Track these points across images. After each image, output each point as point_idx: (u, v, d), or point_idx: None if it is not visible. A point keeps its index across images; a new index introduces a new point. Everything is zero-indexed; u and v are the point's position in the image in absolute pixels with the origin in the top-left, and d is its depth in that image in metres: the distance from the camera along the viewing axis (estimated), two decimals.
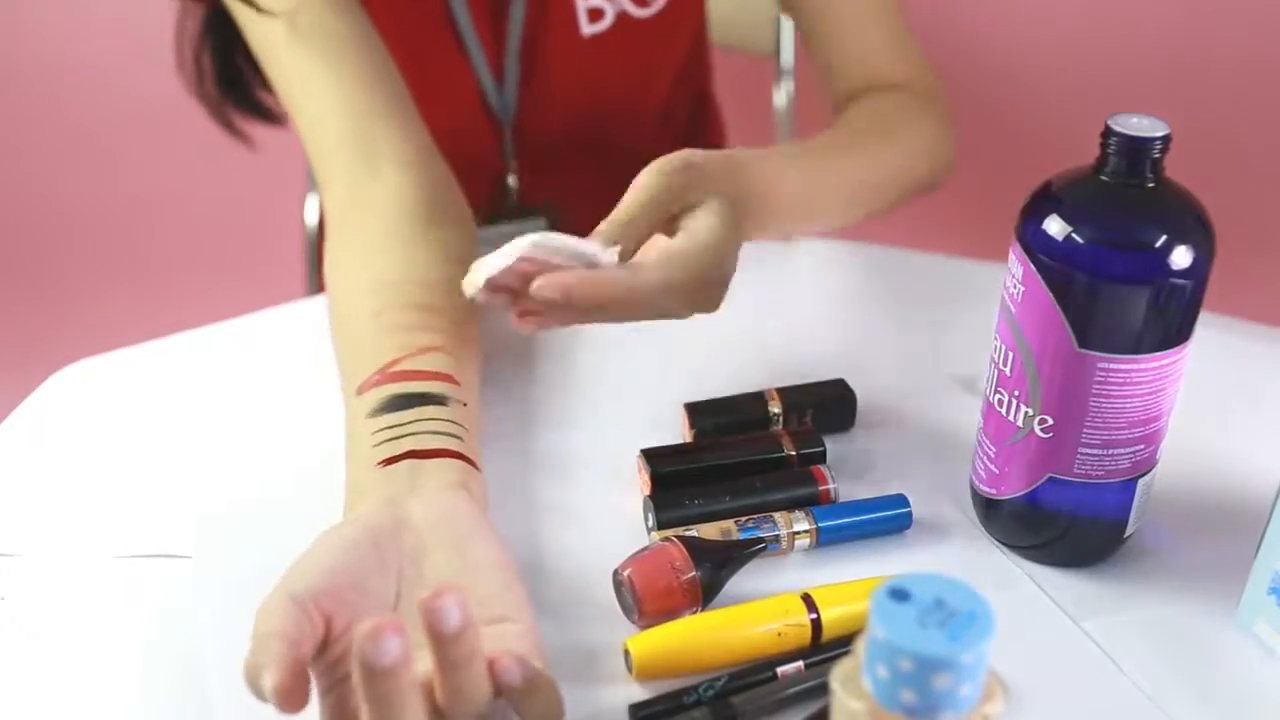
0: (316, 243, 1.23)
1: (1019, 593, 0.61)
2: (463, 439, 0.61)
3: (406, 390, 0.62)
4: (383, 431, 0.60)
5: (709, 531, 0.61)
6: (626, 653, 0.56)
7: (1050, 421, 0.58)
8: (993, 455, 0.62)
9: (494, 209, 0.99)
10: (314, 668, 0.49)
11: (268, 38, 0.79)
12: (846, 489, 0.66)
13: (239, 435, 0.72)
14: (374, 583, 0.52)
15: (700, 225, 0.62)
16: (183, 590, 0.61)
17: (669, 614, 0.57)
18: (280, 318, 0.83)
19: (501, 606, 0.52)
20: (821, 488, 0.65)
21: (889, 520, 0.64)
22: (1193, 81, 1.46)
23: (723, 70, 1.16)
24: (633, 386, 0.75)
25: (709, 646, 0.56)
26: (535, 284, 0.56)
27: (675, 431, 0.71)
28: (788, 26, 1.30)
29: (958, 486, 0.66)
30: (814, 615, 0.57)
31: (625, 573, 0.58)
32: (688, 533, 0.61)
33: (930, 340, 0.80)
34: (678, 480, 0.65)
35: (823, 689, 0.53)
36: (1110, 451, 0.58)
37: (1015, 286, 0.58)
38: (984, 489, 0.63)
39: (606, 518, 0.65)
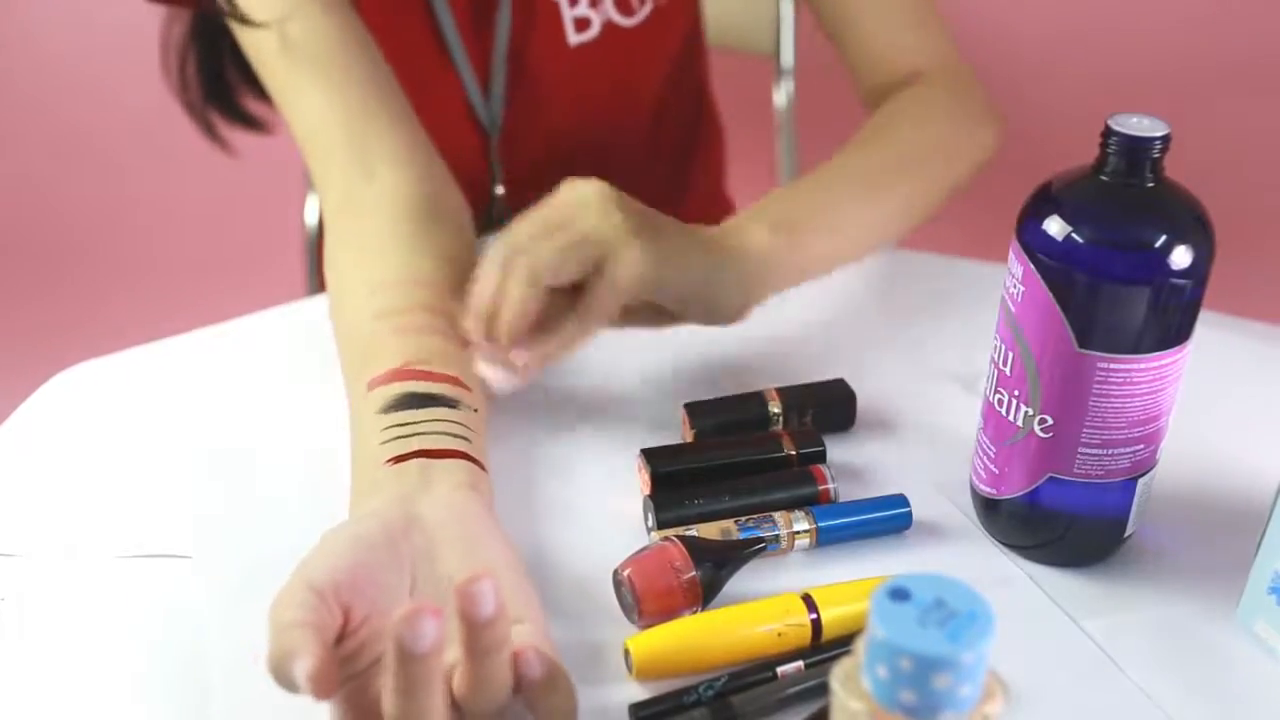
0: (316, 243, 1.23)
1: (1019, 593, 0.61)
2: (471, 441, 0.61)
3: (419, 390, 0.62)
4: (393, 429, 0.60)
5: (709, 531, 0.61)
6: (626, 653, 0.56)
7: (1050, 421, 0.58)
8: (993, 455, 0.62)
9: (481, 220, 0.99)
10: None
11: (260, 44, 0.79)
12: (846, 489, 0.66)
13: (239, 435, 0.72)
14: (388, 578, 0.52)
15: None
16: (183, 590, 0.61)
17: (669, 614, 0.57)
18: (280, 318, 0.83)
19: (514, 606, 0.52)
20: (821, 487, 0.65)
21: (889, 520, 0.64)
22: (1193, 81, 1.46)
23: (723, 70, 1.16)
24: (633, 386, 0.75)
25: (709, 646, 0.56)
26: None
27: (675, 431, 0.71)
28: (788, 26, 1.30)
29: (958, 486, 0.66)
30: (814, 615, 0.57)
31: (625, 573, 0.58)
32: (688, 532, 0.61)
33: (930, 340, 0.80)
34: (678, 480, 0.65)
35: (823, 689, 0.53)
36: (1110, 451, 0.58)
37: (1015, 286, 0.58)
38: (984, 489, 0.63)
39: (606, 518, 0.65)
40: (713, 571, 0.58)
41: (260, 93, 0.93)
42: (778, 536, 0.62)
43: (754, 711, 0.54)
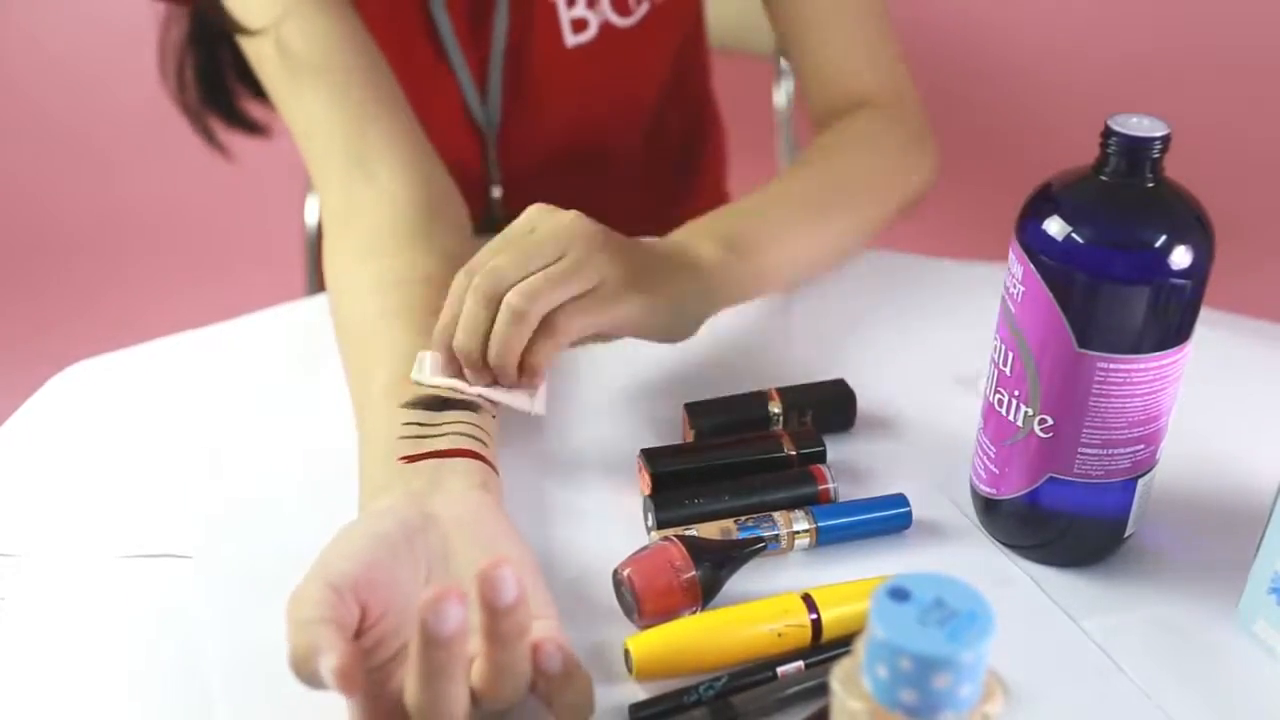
0: (316, 243, 1.23)
1: (1019, 593, 0.61)
2: (485, 443, 0.61)
3: (443, 393, 0.62)
4: (411, 425, 0.60)
5: (709, 531, 0.61)
6: (626, 653, 0.56)
7: (1050, 421, 0.58)
8: (993, 455, 0.62)
9: (479, 221, 0.99)
10: None
11: (258, 47, 0.79)
12: (846, 489, 0.66)
13: (240, 435, 0.72)
14: (405, 575, 0.52)
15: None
16: (184, 590, 0.61)
17: (669, 613, 0.57)
18: (280, 318, 0.83)
19: (532, 604, 0.52)
20: (821, 487, 0.65)
21: (889, 520, 0.64)
22: (1193, 81, 1.46)
23: (723, 70, 1.16)
24: (633, 386, 0.75)
25: (709, 646, 0.56)
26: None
27: (675, 431, 0.71)
28: None
29: (958, 486, 0.66)
30: (814, 615, 0.57)
31: (625, 572, 0.58)
32: (687, 532, 0.61)
33: (930, 340, 0.80)
34: (678, 480, 0.65)
35: (823, 689, 0.53)
36: (1110, 451, 0.58)
37: (1015, 286, 0.58)
38: (984, 489, 0.63)
39: (606, 518, 0.65)
40: (712, 571, 0.58)
41: (258, 96, 0.93)
42: (778, 536, 0.62)
43: (754, 711, 0.54)
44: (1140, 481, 0.60)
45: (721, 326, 0.81)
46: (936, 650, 0.38)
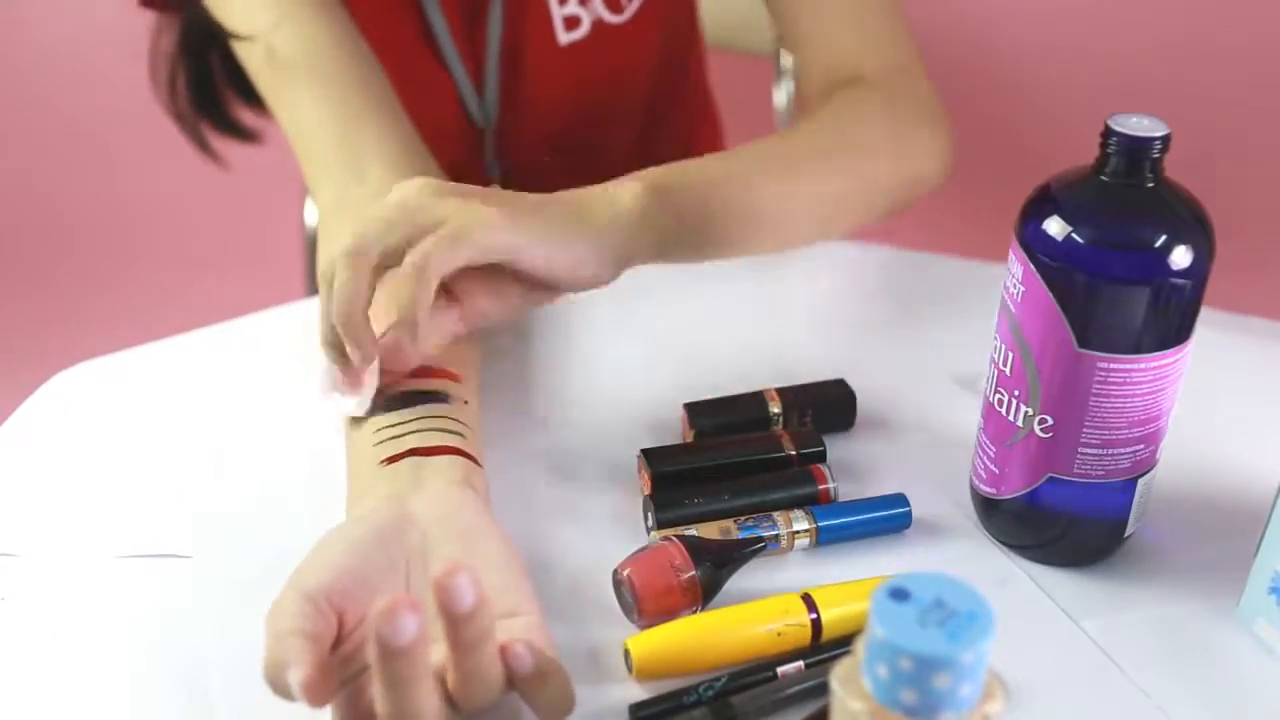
0: (316, 243, 1.23)
1: (1019, 593, 0.61)
2: (464, 436, 0.61)
3: (408, 388, 0.62)
4: (385, 430, 0.60)
5: (708, 531, 0.61)
6: (626, 653, 0.56)
7: (1050, 421, 0.58)
8: (993, 455, 0.62)
9: None
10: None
11: (251, 52, 0.79)
12: (846, 489, 0.66)
13: (239, 435, 0.72)
14: (382, 580, 0.52)
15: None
16: (183, 590, 0.61)
17: (669, 613, 0.57)
18: (280, 318, 0.83)
19: (510, 600, 0.52)
20: (821, 487, 0.65)
21: (889, 520, 0.64)
22: (1193, 81, 1.46)
23: (723, 70, 1.16)
24: (633, 386, 0.75)
25: (709, 646, 0.56)
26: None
27: (675, 431, 0.71)
28: None
29: (958, 486, 0.66)
30: (814, 615, 0.57)
31: (625, 572, 0.58)
32: (687, 532, 0.61)
33: (930, 340, 0.80)
34: (678, 480, 0.65)
35: (823, 689, 0.53)
36: (1110, 451, 0.58)
37: (1015, 286, 0.58)
38: (984, 489, 0.63)
39: (606, 518, 0.65)
40: (712, 571, 0.58)
41: (250, 103, 0.93)
42: (777, 536, 0.62)
43: (754, 711, 0.54)
44: (1140, 481, 0.60)
45: (722, 326, 0.81)
46: (936, 650, 0.38)
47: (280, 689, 0.47)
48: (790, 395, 0.71)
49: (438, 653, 0.48)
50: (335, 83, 0.77)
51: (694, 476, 0.65)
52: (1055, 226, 0.55)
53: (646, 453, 0.66)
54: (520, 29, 0.93)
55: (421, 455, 0.59)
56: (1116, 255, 0.55)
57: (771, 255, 0.80)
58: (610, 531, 0.64)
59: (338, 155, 0.76)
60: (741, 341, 0.80)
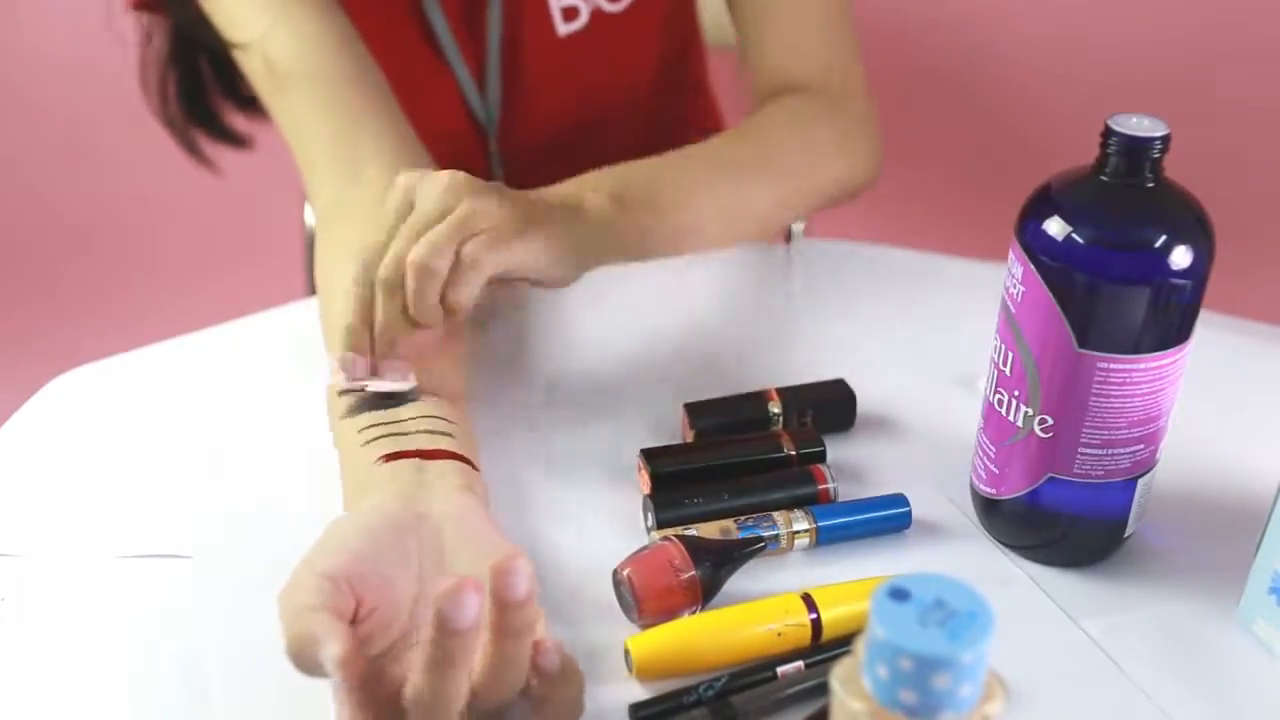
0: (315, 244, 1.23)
1: (1019, 593, 0.61)
2: (457, 439, 0.61)
3: (379, 388, 0.63)
4: (368, 430, 0.60)
5: (708, 531, 0.61)
6: (626, 652, 0.56)
7: (1050, 421, 0.58)
8: (993, 455, 0.62)
9: None
10: None
11: (246, 56, 0.80)
12: (846, 489, 0.66)
13: (239, 436, 0.72)
14: (396, 571, 0.52)
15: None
16: (183, 590, 0.61)
17: (669, 613, 0.57)
18: (280, 318, 0.83)
19: None
20: (821, 487, 0.65)
21: (889, 520, 0.64)
22: (1193, 81, 1.46)
23: (723, 70, 1.16)
24: (633, 386, 0.75)
25: (709, 646, 0.56)
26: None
27: (675, 431, 0.71)
28: None
29: (958, 486, 0.66)
30: (814, 615, 0.57)
31: (625, 572, 0.58)
32: (687, 532, 0.61)
33: (930, 340, 0.80)
34: (678, 480, 0.65)
35: (823, 689, 0.53)
36: (1110, 451, 0.58)
37: (1015, 286, 0.58)
38: (984, 489, 0.63)
39: (606, 517, 0.65)
40: (712, 571, 0.58)
41: (242, 107, 0.93)
42: (777, 536, 0.62)
43: (754, 711, 0.54)
44: (1140, 481, 0.60)
45: (722, 326, 0.81)
46: (936, 650, 0.38)
47: (307, 665, 0.47)
48: (790, 395, 0.71)
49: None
50: (331, 84, 0.78)
51: (694, 476, 0.65)
52: (1055, 226, 0.55)
53: (646, 453, 0.66)
54: (519, 22, 0.93)
55: (424, 458, 0.59)
56: (1116, 255, 0.55)
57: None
58: (610, 531, 0.64)
59: (334, 156, 0.76)
60: (741, 341, 0.80)
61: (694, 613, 0.58)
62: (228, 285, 1.46)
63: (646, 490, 0.66)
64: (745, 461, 0.67)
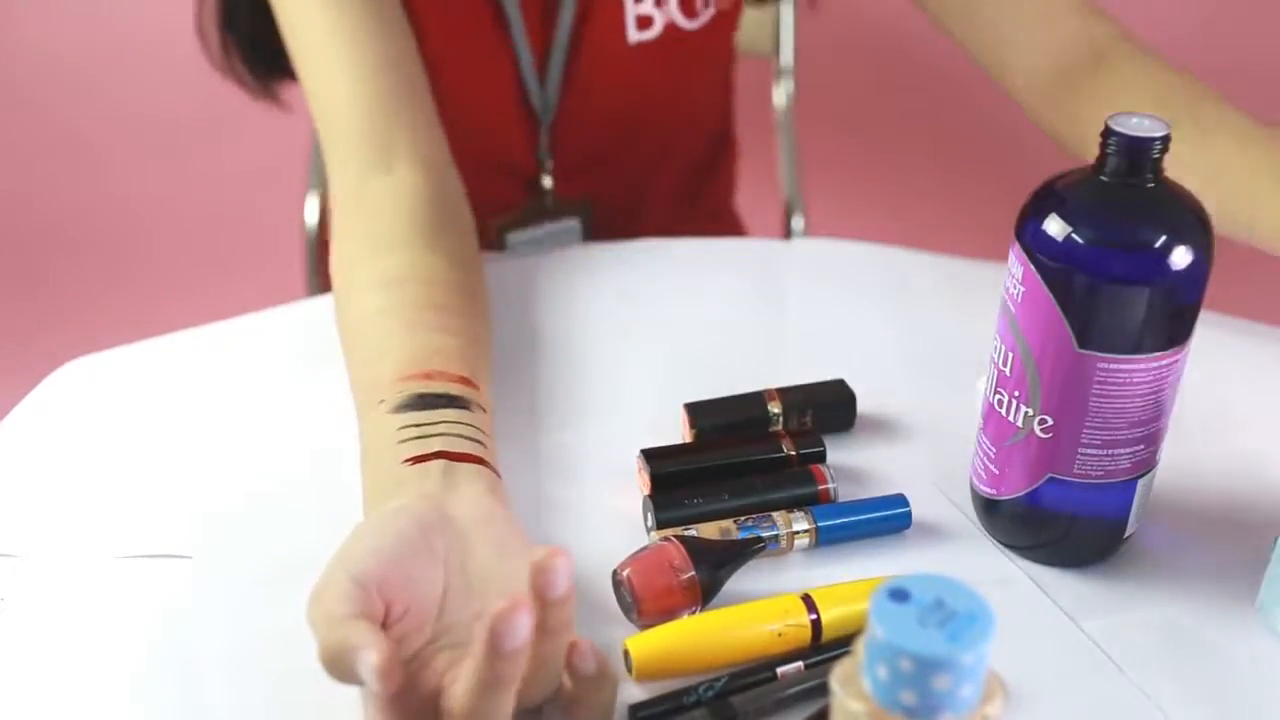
0: (316, 243, 1.23)
1: (1019, 593, 0.61)
2: (485, 445, 0.61)
3: (431, 390, 0.62)
4: (409, 428, 0.60)
5: (708, 531, 0.61)
6: (626, 653, 0.56)
7: (1050, 421, 0.58)
8: (993, 455, 0.62)
9: (527, 208, 0.99)
10: None
11: (291, 18, 0.79)
12: (846, 489, 0.66)
13: (240, 435, 0.72)
14: (425, 573, 0.52)
15: None
16: (184, 590, 0.61)
17: (668, 614, 0.57)
18: (280, 318, 0.83)
19: None
20: (821, 487, 0.65)
21: (889, 520, 0.64)
22: None
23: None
24: (633, 386, 0.75)
25: (709, 646, 0.56)
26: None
27: (675, 431, 0.71)
28: (787, 27, 1.30)
29: (958, 486, 0.66)
30: (814, 615, 0.57)
31: (624, 572, 0.58)
32: (687, 532, 0.61)
33: (930, 340, 0.80)
34: (678, 480, 0.65)
35: (823, 689, 0.53)
36: (1110, 451, 0.58)
37: (1015, 286, 0.58)
38: (984, 489, 0.63)
39: (606, 518, 0.65)
40: (712, 571, 0.58)
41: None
42: (777, 536, 0.62)
43: (754, 711, 0.54)
44: (1140, 481, 0.60)
45: (722, 326, 0.81)
46: (936, 651, 0.38)
47: (344, 674, 0.47)
48: (790, 395, 0.71)
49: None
50: (374, 68, 0.77)
51: (694, 477, 0.65)
52: (1055, 226, 0.55)
53: (646, 453, 0.66)
54: (592, 21, 0.93)
55: (451, 460, 0.58)
56: (1116, 255, 0.55)
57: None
58: (610, 531, 0.64)
59: (367, 138, 0.76)
60: (741, 341, 0.80)
61: (694, 613, 0.58)
62: (228, 284, 1.46)
63: (646, 490, 0.66)
64: (745, 462, 0.67)
